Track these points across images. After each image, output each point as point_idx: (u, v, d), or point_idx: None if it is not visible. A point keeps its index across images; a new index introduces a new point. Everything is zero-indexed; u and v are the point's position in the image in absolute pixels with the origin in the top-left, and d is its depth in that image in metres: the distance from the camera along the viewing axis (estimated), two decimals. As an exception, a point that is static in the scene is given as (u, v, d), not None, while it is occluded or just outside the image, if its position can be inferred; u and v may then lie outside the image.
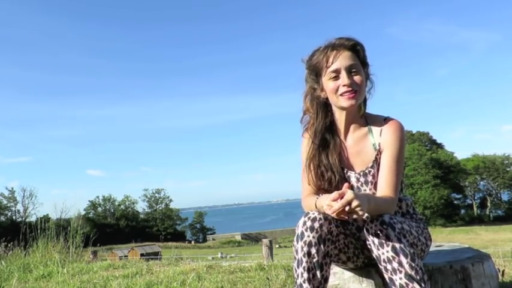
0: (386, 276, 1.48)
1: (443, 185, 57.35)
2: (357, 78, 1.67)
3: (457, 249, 2.10)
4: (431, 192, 56.26)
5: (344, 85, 1.66)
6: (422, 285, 1.42)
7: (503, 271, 2.98)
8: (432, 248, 2.14)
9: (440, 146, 67.10)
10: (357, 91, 1.67)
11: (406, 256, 1.43)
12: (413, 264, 1.43)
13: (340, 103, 1.70)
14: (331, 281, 1.87)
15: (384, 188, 1.63)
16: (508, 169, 62.06)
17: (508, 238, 35.03)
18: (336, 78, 1.68)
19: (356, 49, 1.70)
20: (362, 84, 1.68)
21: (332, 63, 1.68)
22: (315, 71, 1.75)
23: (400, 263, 1.43)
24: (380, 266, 1.50)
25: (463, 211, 63.71)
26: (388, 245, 1.45)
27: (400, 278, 1.43)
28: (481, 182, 63.71)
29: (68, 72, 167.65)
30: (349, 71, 1.67)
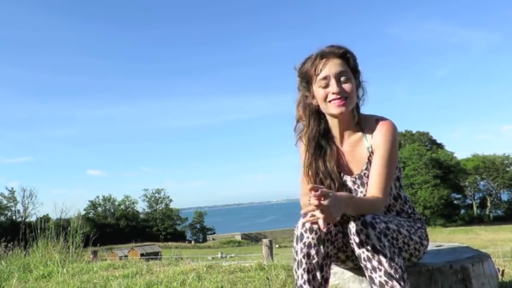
0: (366, 275, 1.51)
1: (443, 185, 57.30)
2: (346, 85, 1.68)
3: (457, 249, 2.11)
4: (431, 192, 56.22)
5: (333, 93, 1.67)
6: (402, 283, 1.44)
7: (503, 271, 2.98)
8: (432, 248, 2.14)
9: (440, 146, 67.07)
10: (347, 98, 1.68)
11: (385, 255, 1.46)
12: (393, 263, 1.45)
13: (330, 110, 1.71)
14: (332, 281, 1.88)
15: (372, 189, 1.64)
16: (507, 169, 61.96)
17: (507, 238, 34.99)
18: (326, 85, 1.69)
19: (346, 57, 1.70)
20: (352, 92, 1.69)
21: (321, 71, 1.69)
22: (306, 79, 1.76)
23: (380, 262, 1.45)
24: (361, 264, 1.52)
25: (462, 211, 63.65)
26: (367, 244, 1.47)
27: (380, 276, 1.45)
28: (481, 182, 63.62)
29: (68, 72, 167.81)
30: (339, 78, 1.68)
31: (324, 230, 1.42)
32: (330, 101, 1.69)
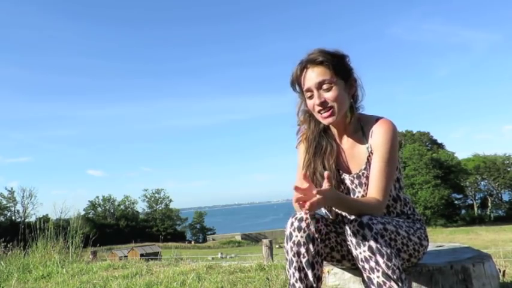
0: (364, 275, 1.50)
1: (443, 185, 57.26)
2: (329, 94, 1.66)
3: (458, 250, 2.10)
4: (432, 192, 56.19)
5: (317, 105, 1.67)
6: (399, 284, 1.44)
7: (504, 271, 2.96)
8: (432, 248, 2.13)
9: (440, 146, 67.06)
10: (333, 107, 1.66)
11: (382, 256, 1.45)
12: (390, 264, 1.45)
13: (320, 120, 1.72)
14: (332, 281, 1.87)
15: (372, 190, 1.63)
16: (508, 169, 61.92)
17: (508, 238, 34.98)
18: (311, 97, 1.69)
19: (326, 63, 1.65)
20: (337, 98, 1.66)
21: (304, 83, 1.70)
22: (300, 87, 1.76)
23: (377, 263, 1.45)
24: (359, 265, 1.51)
25: (463, 211, 63.61)
26: (364, 245, 1.47)
27: (378, 277, 1.45)
28: (482, 182, 63.60)
29: (68, 72, 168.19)
30: (320, 88, 1.66)
31: (312, 228, 1.40)
32: (317, 112, 1.69)
